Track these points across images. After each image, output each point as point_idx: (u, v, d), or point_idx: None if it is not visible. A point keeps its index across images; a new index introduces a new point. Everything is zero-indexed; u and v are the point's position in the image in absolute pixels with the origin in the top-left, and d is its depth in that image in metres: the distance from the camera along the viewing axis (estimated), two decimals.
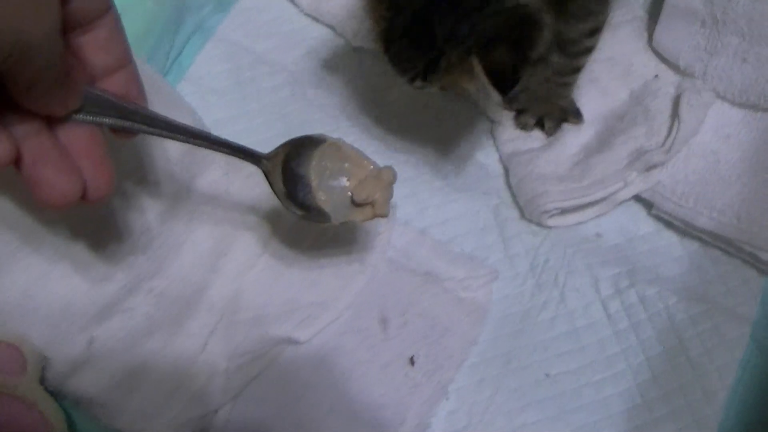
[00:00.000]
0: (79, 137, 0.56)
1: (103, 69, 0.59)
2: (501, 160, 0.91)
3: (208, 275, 0.82)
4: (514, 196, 0.90)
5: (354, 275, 0.84)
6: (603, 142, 0.89)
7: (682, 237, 0.87)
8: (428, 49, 0.69)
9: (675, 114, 0.86)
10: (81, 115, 0.56)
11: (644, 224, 0.89)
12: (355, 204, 0.72)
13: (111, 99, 0.58)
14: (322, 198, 0.71)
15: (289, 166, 0.71)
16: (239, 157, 0.69)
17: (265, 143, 0.71)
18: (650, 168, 0.86)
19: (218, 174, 0.85)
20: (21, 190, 0.73)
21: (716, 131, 0.87)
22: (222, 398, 0.80)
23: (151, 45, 0.91)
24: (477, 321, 0.83)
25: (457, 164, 0.91)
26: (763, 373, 0.81)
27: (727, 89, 0.87)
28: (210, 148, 0.67)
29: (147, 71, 0.82)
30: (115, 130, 0.60)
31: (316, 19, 0.97)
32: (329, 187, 0.72)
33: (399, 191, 0.83)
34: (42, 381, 0.74)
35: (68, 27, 0.55)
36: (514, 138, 0.91)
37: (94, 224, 0.77)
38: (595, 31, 0.79)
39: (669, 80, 0.90)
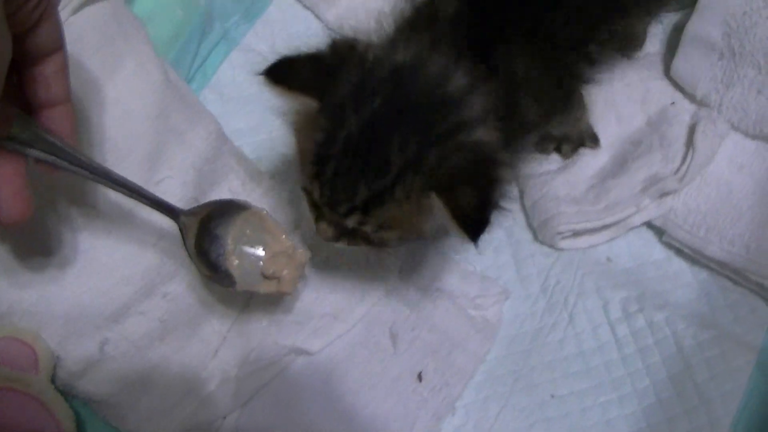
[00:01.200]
0: (1, 162, 0.59)
1: (41, 103, 0.62)
2: (516, 181, 0.93)
3: None
4: (527, 217, 0.91)
5: (367, 290, 0.85)
6: (619, 166, 0.90)
7: (691, 264, 0.89)
8: (378, 174, 0.60)
9: (690, 142, 0.88)
10: (8, 143, 0.59)
11: (655, 250, 0.90)
12: (264, 276, 0.74)
13: (42, 132, 0.61)
14: (234, 262, 0.74)
15: (209, 225, 0.74)
16: (158, 210, 0.72)
17: (284, 156, 0.73)
18: (663, 195, 0.87)
19: (236, 184, 0.87)
20: (36, 192, 0.75)
21: (730, 162, 0.89)
22: (231, 405, 0.81)
23: (177, 52, 0.93)
24: (486, 339, 0.85)
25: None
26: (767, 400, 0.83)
27: (742, 121, 0.88)
28: (130, 197, 0.69)
29: (171, 77, 0.85)
30: (39, 161, 0.62)
31: (340, 34, 0.99)
32: (244, 253, 0.74)
33: None
34: (53, 380, 0.76)
35: (20, 61, 0.59)
36: (530, 160, 0.92)
37: (111, 228, 0.79)
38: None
39: (685, 108, 0.92)
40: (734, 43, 0.87)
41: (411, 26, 0.71)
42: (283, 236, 0.75)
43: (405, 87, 0.61)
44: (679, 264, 0.89)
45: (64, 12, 0.78)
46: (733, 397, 0.83)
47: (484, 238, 0.60)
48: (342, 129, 0.60)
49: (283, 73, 0.63)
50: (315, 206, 0.67)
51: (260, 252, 0.75)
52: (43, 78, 0.61)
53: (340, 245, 0.69)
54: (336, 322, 0.84)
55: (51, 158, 0.62)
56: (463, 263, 0.89)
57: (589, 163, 0.92)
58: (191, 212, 0.73)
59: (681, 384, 0.83)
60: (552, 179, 0.90)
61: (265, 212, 0.75)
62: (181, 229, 0.73)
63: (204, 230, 0.74)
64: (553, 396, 0.83)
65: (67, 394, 0.77)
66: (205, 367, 0.82)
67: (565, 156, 0.91)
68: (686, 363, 0.84)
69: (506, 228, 0.91)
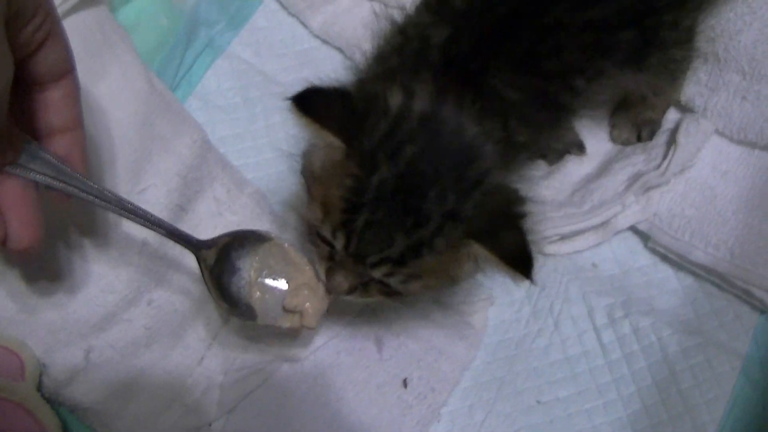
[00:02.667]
0: (10, 189, 0.58)
1: (50, 129, 0.61)
2: None
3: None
4: None
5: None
6: (603, 168, 0.92)
7: (677, 270, 0.90)
8: (418, 224, 0.60)
9: (672, 142, 0.90)
10: (15, 169, 0.58)
11: (640, 256, 0.91)
12: (285, 309, 0.73)
13: (50, 159, 0.60)
14: (256, 295, 0.73)
15: (230, 256, 0.72)
16: (175, 241, 0.70)
17: (269, 163, 0.73)
18: (647, 190, 0.88)
19: (221, 192, 0.87)
20: None
21: (714, 167, 0.90)
22: (217, 412, 0.82)
23: (162, 60, 0.94)
24: (472, 345, 0.85)
25: None
26: (753, 407, 0.84)
27: (726, 126, 0.90)
28: (144, 225, 0.68)
29: (156, 85, 0.86)
30: (49, 188, 0.61)
31: (325, 42, 1.00)
32: (266, 286, 0.73)
33: None
34: (39, 388, 0.77)
35: (25, 84, 0.58)
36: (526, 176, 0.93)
37: (96, 236, 0.79)
38: None
39: (670, 116, 0.94)
40: (718, 48, 0.88)
41: (400, 53, 0.72)
42: (307, 267, 0.73)
43: (434, 137, 0.61)
44: (664, 270, 0.90)
45: None
46: (718, 404, 0.84)
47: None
48: (375, 176, 0.59)
49: (313, 104, 0.61)
50: (329, 258, 0.67)
51: (283, 285, 0.73)
52: (51, 104, 0.60)
53: (350, 298, 0.69)
54: (321, 328, 0.84)
55: (60, 185, 0.61)
56: None
57: (576, 169, 0.93)
58: (211, 243, 0.72)
59: (666, 390, 0.84)
60: (537, 184, 0.91)
61: (287, 244, 0.74)
62: (199, 262, 0.71)
63: (224, 261, 0.72)
64: (538, 402, 0.84)
65: (53, 401, 0.77)
66: (191, 374, 0.82)
67: (551, 163, 0.93)
68: (671, 369, 0.85)
69: None
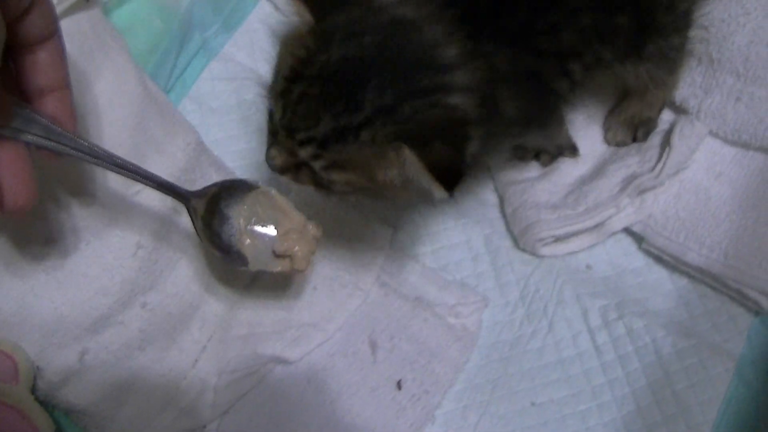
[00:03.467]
0: (3, 151, 0.60)
1: (39, 90, 0.63)
2: (496, 188, 0.95)
3: (203, 292, 0.85)
4: (506, 224, 0.93)
5: (346, 298, 0.87)
6: (597, 170, 0.93)
7: (671, 272, 0.91)
8: (348, 111, 0.60)
9: (666, 144, 0.90)
10: (7, 131, 0.60)
11: (634, 258, 0.92)
12: (275, 254, 0.74)
13: (40, 119, 0.62)
14: (246, 242, 0.74)
15: (219, 206, 0.74)
16: (165, 193, 0.72)
17: (263, 166, 0.74)
18: (642, 192, 0.89)
19: None
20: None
21: (708, 169, 0.91)
22: (211, 414, 0.82)
23: (156, 62, 0.94)
24: (465, 348, 0.86)
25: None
26: (747, 408, 0.84)
27: (720, 127, 0.90)
28: (135, 179, 0.70)
29: (150, 88, 0.86)
30: (40, 148, 0.63)
31: None
32: (256, 233, 0.74)
33: (395, 219, 0.87)
34: (33, 390, 0.77)
35: (13, 47, 0.60)
36: (510, 167, 0.94)
37: (90, 237, 0.80)
38: None
39: (664, 117, 0.94)
40: (712, 50, 0.89)
41: None
42: (294, 213, 0.75)
43: (398, 38, 0.62)
44: (658, 272, 0.91)
45: None
46: (712, 405, 0.84)
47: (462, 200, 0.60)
48: (324, 53, 0.61)
49: None
50: (272, 132, 0.67)
51: (272, 231, 0.75)
52: (39, 65, 0.62)
53: (285, 178, 0.69)
54: (315, 330, 0.85)
55: (52, 144, 0.63)
56: (442, 272, 0.91)
57: (570, 170, 0.94)
58: (200, 194, 0.74)
59: (660, 392, 0.85)
60: (532, 186, 0.92)
61: (274, 191, 0.76)
62: (190, 212, 0.73)
63: (214, 211, 0.74)
64: (532, 404, 0.85)
65: (47, 404, 0.78)
66: (185, 376, 0.83)
67: (544, 164, 0.93)
68: (665, 371, 0.86)
69: (485, 236, 0.93)
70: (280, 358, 0.84)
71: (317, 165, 0.64)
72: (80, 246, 0.79)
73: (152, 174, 0.71)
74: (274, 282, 0.87)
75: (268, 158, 0.68)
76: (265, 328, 0.85)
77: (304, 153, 0.64)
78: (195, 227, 0.73)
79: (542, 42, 0.70)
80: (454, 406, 0.85)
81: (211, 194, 0.74)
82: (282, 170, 0.68)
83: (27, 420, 0.75)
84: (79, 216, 0.80)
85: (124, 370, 0.80)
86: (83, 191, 0.81)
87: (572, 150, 0.93)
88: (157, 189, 0.72)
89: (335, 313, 0.86)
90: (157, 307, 0.82)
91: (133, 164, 0.69)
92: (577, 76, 0.75)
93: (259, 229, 0.75)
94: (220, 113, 0.97)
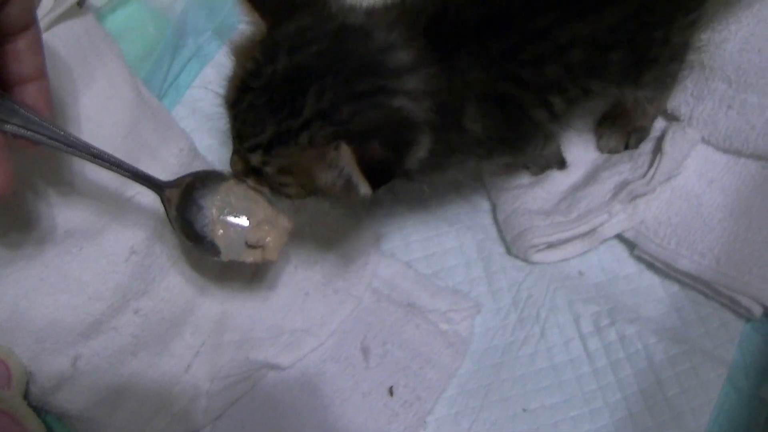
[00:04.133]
0: None
1: (18, 78, 0.64)
2: (488, 195, 0.95)
3: (195, 298, 0.86)
4: (499, 231, 0.94)
5: (339, 304, 0.88)
6: (589, 177, 0.94)
7: (663, 279, 0.91)
8: (289, 116, 0.62)
9: (658, 150, 0.91)
10: None
11: (627, 264, 0.93)
12: (248, 245, 0.75)
13: (17, 108, 0.64)
14: (219, 232, 0.75)
15: (193, 195, 0.75)
16: (140, 183, 0.73)
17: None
18: (634, 199, 0.90)
19: None
20: (11, 208, 0.77)
21: (700, 176, 0.91)
22: (203, 419, 0.83)
23: (149, 68, 0.95)
24: (458, 353, 0.87)
25: (443, 199, 0.95)
26: (738, 415, 0.85)
27: (712, 134, 0.91)
28: (110, 169, 0.71)
29: (143, 94, 0.87)
30: (17, 137, 0.64)
31: None
32: (229, 223, 0.76)
33: (386, 224, 0.87)
34: (26, 395, 0.78)
35: None
36: (502, 174, 0.95)
37: (84, 242, 0.81)
38: None
39: (656, 124, 0.95)
40: (704, 57, 0.89)
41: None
42: (267, 204, 0.76)
43: (343, 44, 0.63)
44: (650, 278, 0.92)
45: None
46: (703, 411, 0.85)
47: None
48: (271, 65, 0.62)
49: None
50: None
51: (244, 222, 0.76)
52: (18, 54, 0.63)
53: (250, 183, 0.71)
54: (307, 336, 0.86)
55: (29, 133, 0.64)
56: (434, 278, 0.92)
57: (563, 178, 0.95)
58: (174, 183, 0.75)
59: (652, 398, 0.86)
60: (525, 193, 0.92)
61: (246, 182, 0.76)
62: (163, 202, 0.74)
63: (187, 201, 0.75)
64: (524, 410, 0.86)
65: (40, 409, 0.79)
66: (178, 382, 0.84)
67: (534, 174, 0.94)
68: (657, 377, 0.87)
69: (478, 242, 0.94)
70: (273, 364, 0.85)
71: (267, 170, 0.66)
72: (73, 251, 0.80)
73: (126, 164, 0.72)
74: (267, 287, 0.88)
75: (231, 164, 0.70)
76: (258, 333, 0.86)
77: (254, 159, 0.66)
78: (168, 217, 0.74)
79: (525, 72, 0.71)
80: (446, 412, 0.86)
81: (186, 184, 0.75)
82: (245, 174, 0.70)
83: (19, 425, 0.75)
84: (72, 221, 0.81)
85: (116, 375, 0.81)
86: (75, 193, 0.82)
87: (560, 164, 0.94)
88: (132, 179, 0.73)
89: (328, 319, 0.87)
90: (150, 312, 0.83)
91: (108, 154, 0.70)
92: (557, 109, 0.75)
93: (232, 219, 0.76)
94: (214, 119, 0.96)
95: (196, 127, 0.96)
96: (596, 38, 0.71)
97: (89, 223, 0.81)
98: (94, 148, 0.69)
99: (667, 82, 0.86)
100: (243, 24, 0.68)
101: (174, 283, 0.85)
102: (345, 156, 0.59)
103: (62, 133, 0.67)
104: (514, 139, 0.76)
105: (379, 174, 0.59)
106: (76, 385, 0.79)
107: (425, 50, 0.65)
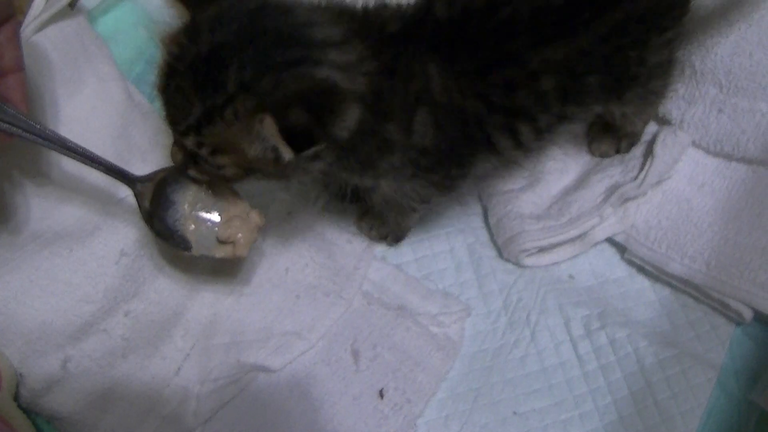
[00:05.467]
0: None
1: None
2: (480, 198, 0.97)
3: (185, 300, 0.87)
4: (490, 234, 0.96)
5: (329, 307, 0.89)
6: (580, 181, 0.95)
7: (653, 282, 0.93)
8: (213, 92, 0.62)
9: (649, 153, 0.93)
10: None
11: (617, 268, 0.94)
12: (219, 240, 0.77)
13: None
14: (190, 227, 0.77)
15: (165, 190, 0.77)
16: (113, 176, 0.75)
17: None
18: (624, 202, 0.91)
19: None
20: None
21: (690, 179, 0.93)
22: (193, 422, 0.84)
23: (140, 70, 0.96)
24: (448, 356, 0.88)
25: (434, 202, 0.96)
26: (728, 418, 0.86)
27: (703, 138, 0.93)
28: (84, 163, 0.73)
29: (134, 96, 0.88)
30: None
31: None
32: (200, 218, 0.77)
33: None
34: (16, 398, 0.79)
35: None
36: (495, 178, 0.96)
37: (74, 245, 0.82)
38: None
39: (647, 128, 0.96)
40: (695, 61, 0.91)
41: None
42: (238, 200, 0.77)
43: (263, 20, 0.64)
44: (641, 282, 0.93)
45: (27, 30, 0.82)
46: (693, 415, 0.86)
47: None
48: (194, 47, 0.63)
49: None
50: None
51: (216, 217, 0.77)
52: None
53: (192, 173, 0.72)
54: (297, 339, 0.87)
55: (4, 125, 0.66)
56: (425, 281, 0.93)
57: (554, 181, 0.96)
58: (146, 178, 0.76)
59: (642, 401, 0.87)
60: (516, 197, 0.94)
61: None
62: (136, 196, 0.76)
63: (160, 195, 0.77)
64: (515, 413, 0.87)
65: (30, 411, 0.80)
66: (168, 384, 0.85)
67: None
68: (647, 380, 0.88)
69: (469, 245, 0.95)
70: (263, 367, 0.86)
71: (203, 153, 0.67)
72: (63, 253, 0.81)
73: (100, 157, 0.73)
74: (257, 290, 0.89)
75: (171, 154, 0.71)
76: (248, 336, 0.87)
77: (189, 143, 0.66)
78: (140, 211, 0.76)
79: (495, 94, 0.72)
80: (437, 415, 0.87)
81: (158, 179, 0.77)
82: (184, 165, 0.71)
83: (9, 427, 0.76)
84: (62, 223, 0.82)
85: (106, 377, 0.82)
86: (65, 196, 0.83)
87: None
88: (106, 173, 0.74)
89: (318, 322, 0.88)
90: (140, 315, 0.84)
91: (82, 147, 0.72)
92: (523, 138, 0.76)
93: (203, 214, 0.77)
94: None
95: None
96: (569, 63, 0.72)
97: (79, 225, 0.83)
98: (69, 141, 0.71)
99: (651, 98, 0.88)
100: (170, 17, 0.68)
101: (164, 285, 0.86)
102: (268, 126, 0.60)
103: (38, 126, 0.69)
104: (464, 156, 0.77)
105: (301, 139, 0.61)
106: (66, 387, 0.80)
107: (353, 29, 0.67)
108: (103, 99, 0.86)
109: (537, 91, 0.73)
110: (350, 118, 0.64)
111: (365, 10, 0.73)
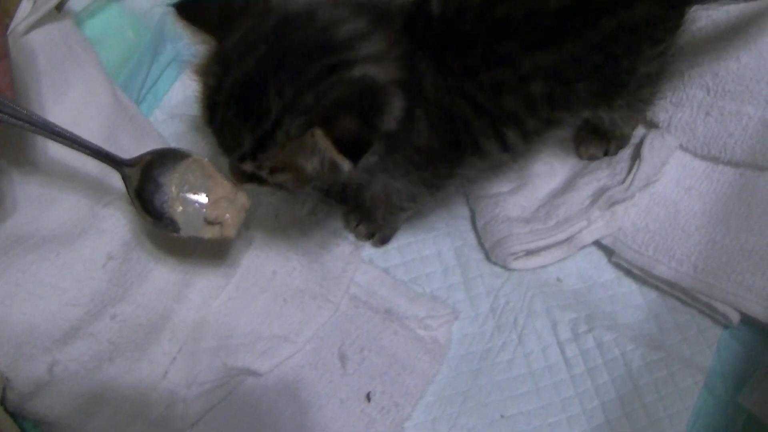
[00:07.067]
0: None
1: None
2: (468, 202, 0.99)
3: (173, 304, 0.88)
4: (477, 237, 0.97)
5: (316, 310, 0.91)
6: (568, 184, 0.97)
7: (641, 285, 0.95)
8: (259, 120, 0.64)
9: (636, 156, 0.94)
10: None
11: (605, 271, 0.96)
12: (207, 221, 0.79)
13: None
14: (178, 209, 0.79)
15: (152, 173, 0.78)
16: (100, 160, 0.77)
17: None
18: (612, 204, 0.93)
19: None
20: None
21: (678, 183, 0.95)
22: (181, 425, 0.86)
23: (128, 73, 0.98)
24: (435, 360, 0.90)
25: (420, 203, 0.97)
26: (715, 421, 0.88)
27: (690, 141, 0.94)
28: (71, 147, 0.75)
29: (121, 99, 0.89)
30: None
31: None
32: (188, 200, 0.79)
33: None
34: (3, 401, 0.80)
35: None
36: (483, 180, 0.97)
37: (60, 248, 0.83)
38: None
39: (635, 132, 0.98)
40: (683, 64, 0.92)
41: None
42: (225, 181, 0.79)
43: (290, 35, 0.65)
44: (628, 285, 0.95)
45: (13, 33, 0.83)
46: (681, 418, 0.88)
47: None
48: (229, 76, 0.64)
49: (193, 9, 0.67)
50: None
51: (203, 199, 0.79)
52: None
53: (250, 186, 0.74)
54: (285, 343, 0.89)
55: None
56: (412, 284, 0.94)
57: (542, 185, 0.98)
58: (133, 161, 0.78)
59: (630, 404, 0.89)
60: (504, 200, 0.96)
61: (206, 160, 0.80)
62: (124, 179, 0.77)
63: (147, 178, 0.78)
64: (502, 416, 0.89)
65: (16, 415, 0.81)
66: (155, 388, 0.86)
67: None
68: (635, 384, 0.89)
69: (456, 248, 0.97)
70: (250, 370, 0.87)
71: (262, 174, 0.69)
72: (50, 257, 0.82)
73: (87, 141, 0.75)
74: (244, 294, 0.91)
75: (231, 175, 0.74)
76: (235, 340, 0.89)
77: (247, 167, 0.68)
78: (129, 194, 0.78)
79: (483, 96, 0.72)
80: (424, 418, 0.88)
81: (145, 162, 0.78)
82: (246, 181, 0.73)
83: None
84: (49, 227, 0.83)
85: (94, 381, 0.83)
86: (52, 199, 0.84)
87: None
88: (92, 156, 0.76)
89: (305, 326, 0.90)
90: (128, 318, 0.85)
91: (69, 132, 0.74)
92: (510, 141, 0.77)
93: (190, 196, 0.79)
94: (192, 124, 1.00)
95: (174, 132, 0.99)
96: (559, 69, 0.73)
97: (66, 229, 0.84)
98: (56, 126, 0.73)
99: (640, 105, 0.90)
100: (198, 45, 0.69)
101: (151, 289, 0.87)
102: (321, 140, 0.61)
103: (24, 111, 0.70)
104: (452, 156, 0.78)
105: (356, 146, 0.61)
106: (54, 390, 0.81)
107: (376, 18, 0.68)
108: (90, 102, 0.87)
109: (526, 95, 0.73)
110: (396, 108, 0.65)
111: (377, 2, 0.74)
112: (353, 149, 0.61)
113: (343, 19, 0.66)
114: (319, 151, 0.62)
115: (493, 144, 0.77)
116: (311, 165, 0.65)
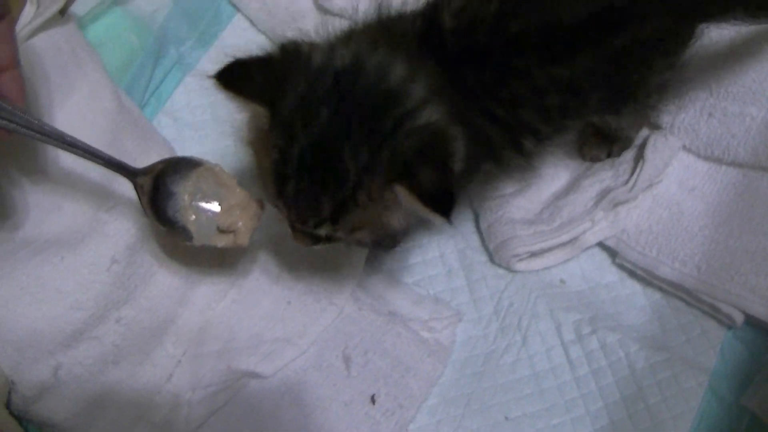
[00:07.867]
0: None
1: None
2: (471, 204, 0.99)
3: (177, 307, 0.89)
4: (481, 239, 0.98)
5: (320, 313, 0.91)
6: (571, 185, 0.98)
7: (644, 287, 0.95)
8: (339, 185, 0.64)
9: (639, 157, 0.95)
10: None
11: (608, 273, 0.96)
12: (219, 230, 0.80)
13: None
14: (191, 218, 0.79)
15: (165, 181, 0.79)
16: (113, 170, 0.78)
17: (239, 181, 0.79)
18: (616, 205, 0.94)
19: None
20: None
21: (681, 184, 0.96)
22: (185, 428, 0.86)
23: (131, 77, 0.99)
24: (439, 362, 0.90)
25: None
26: (719, 423, 0.88)
27: (693, 142, 0.95)
28: (84, 157, 0.75)
29: (124, 103, 0.90)
30: None
31: None
32: (200, 208, 0.80)
33: None
34: (8, 405, 0.81)
35: None
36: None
37: (65, 252, 0.84)
38: None
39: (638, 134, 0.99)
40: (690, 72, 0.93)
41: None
42: (238, 189, 0.80)
43: (348, 92, 0.65)
44: (631, 286, 0.96)
45: (17, 38, 0.84)
46: (685, 419, 0.88)
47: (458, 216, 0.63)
48: (294, 146, 0.64)
49: (235, 77, 0.66)
50: (290, 224, 0.73)
51: (215, 207, 0.80)
52: None
53: (319, 247, 0.75)
54: (289, 345, 0.89)
55: (2, 122, 0.68)
56: (416, 287, 0.95)
57: (545, 186, 0.99)
58: (146, 170, 0.79)
59: (633, 406, 0.89)
60: (507, 202, 0.96)
61: (218, 167, 0.81)
62: (136, 188, 0.78)
63: (160, 187, 0.79)
64: (506, 418, 0.89)
65: (21, 418, 0.82)
66: (159, 391, 0.87)
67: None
68: (639, 385, 0.90)
69: (460, 250, 0.98)
70: (254, 373, 0.88)
71: (339, 235, 0.70)
72: (54, 261, 0.83)
73: (100, 151, 0.76)
74: (248, 297, 0.91)
75: (297, 242, 0.74)
76: (239, 343, 0.89)
77: (323, 231, 0.69)
78: (141, 203, 0.78)
79: (500, 110, 0.73)
80: (428, 420, 0.89)
81: (158, 171, 0.79)
82: (314, 245, 0.74)
83: None
84: (53, 231, 0.84)
85: (98, 384, 0.84)
86: (55, 203, 0.85)
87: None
88: (105, 166, 0.77)
89: (309, 328, 0.90)
90: (132, 321, 0.86)
91: (81, 141, 0.74)
92: (526, 149, 0.78)
93: (203, 204, 0.80)
94: (195, 127, 1.02)
95: (178, 135, 0.99)
96: (574, 82, 0.74)
97: (70, 232, 0.84)
98: (68, 136, 0.74)
99: (647, 111, 0.91)
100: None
101: (155, 292, 0.88)
102: (404, 196, 0.62)
103: (36, 121, 0.71)
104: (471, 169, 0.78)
105: (443, 197, 0.62)
106: (58, 394, 0.82)
107: (419, 59, 0.68)
108: (93, 106, 0.88)
109: (541, 107, 0.74)
110: (460, 148, 0.66)
111: (392, 23, 0.74)
112: (442, 200, 0.61)
113: (386, 63, 0.66)
114: (403, 207, 0.63)
115: (510, 152, 0.78)
116: (395, 220, 0.67)
